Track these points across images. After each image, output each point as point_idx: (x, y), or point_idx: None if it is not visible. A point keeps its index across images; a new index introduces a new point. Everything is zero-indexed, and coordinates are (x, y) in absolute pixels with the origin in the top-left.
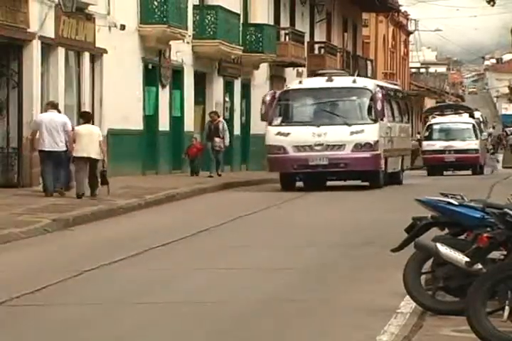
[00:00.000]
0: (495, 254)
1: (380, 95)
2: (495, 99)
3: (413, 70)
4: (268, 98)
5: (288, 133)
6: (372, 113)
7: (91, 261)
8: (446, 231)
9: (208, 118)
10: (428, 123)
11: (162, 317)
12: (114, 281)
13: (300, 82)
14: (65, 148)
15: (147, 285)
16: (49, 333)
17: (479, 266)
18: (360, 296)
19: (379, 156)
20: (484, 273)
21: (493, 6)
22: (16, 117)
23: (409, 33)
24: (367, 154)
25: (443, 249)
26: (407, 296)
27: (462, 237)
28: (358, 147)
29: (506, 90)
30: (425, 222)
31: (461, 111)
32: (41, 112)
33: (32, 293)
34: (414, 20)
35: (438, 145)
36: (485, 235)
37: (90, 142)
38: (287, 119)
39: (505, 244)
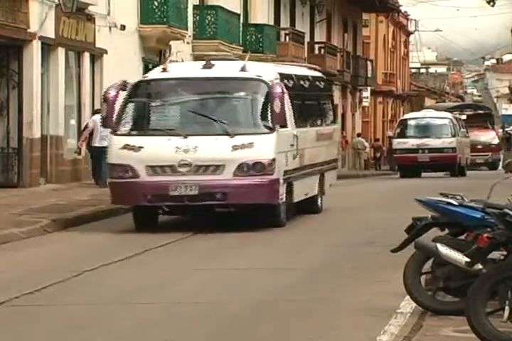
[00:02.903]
0: (495, 254)
1: (279, 90)
2: (495, 100)
3: (413, 70)
4: (112, 93)
5: (140, 147)
6: (268, 117)
7: (91, 261)
8: (447, 231)
9: None
10: (400, 119)
11: (162, 317)
12: (114, 281)
13: (164, 70)
14: None
15: (147, 285)
16: (49, 333)
17: (479, 266)
18: (361, 296)
19: (276, 182)
20: (484, 274)
21: (493, 6)
22: (15, 117)
23: (409, 34)
24: (257, 180)
25: (443, 250)
26: (407, 296)
27: (462, 237)
28: (244, 169)
29: (506, 90)
30: (425, 223)
31: (481, 111)
32: (41, 113)
33: (32, 293)
34: (415, 20)
35: (410, 143)
36: (485, 235)
37: None
38: (140, 126)
39: (505, 245)
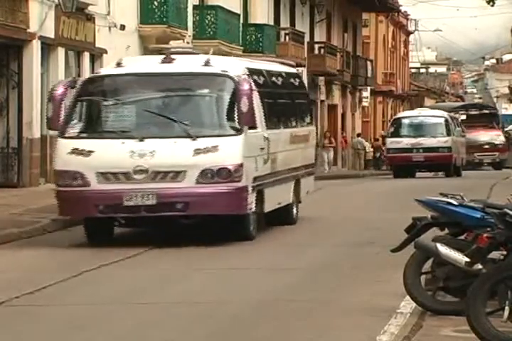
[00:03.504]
0: (495, 254)
1: (247, 86)
2: (495, 100)
3: (413, 70)
4: (59, 91)
5: (90, 152)
6: (235, 117)
7: (91, 261)
8: (446, 231)
9: None
10: (394, 117)
11: (162, 317)
12: (113, 281)
13: (118, 64)
14: None
15: (147, 285)
16: (49, 333)
17: (479, 266)
18: (360, 296)
19: (244, 190)
20: (484, 273)
21: (492, 6)
22: (15, 117)
23: (409, 33)
24: (222, 187)
25: (443, 249)
26: (407, 296)
27: (462, 237)
28: (208, 176)
29: (506, 90)
30: (425, 222)
31: (486, 111)
32: (41, 113)
33: (32, 293)
34: (414, 20)
35: (404, 142)
36: (485, 235)
37: None
38: (90, 128)
39: (505, 244)
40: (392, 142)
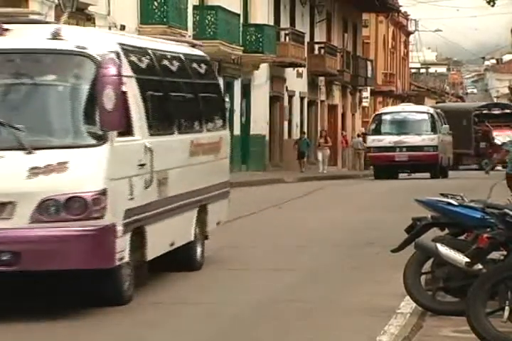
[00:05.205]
0: (495, 255)
1: (114, 70)
2: (495, 100)
3: (413, 71)
4: None
5: None
6: (95, 118)
7: None
8: (447, 231)
9: None
10: (375, 113)
11: (162, 317)
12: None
13: None
14: None
15: (147, 285)
16: (49, 333)
17: (479, 266)
18: (361, 297)
19: (109, 231)
20: (484, 274)
21: (493, 6)
22: None
23: (409, 34)
24: (74, 228)
25: (443, 250)
26: (407, 297)
27: (462, 238)
28: (51, 210)
29: (506, 90)
30: (425, 223)
31: (508, 111)
32: None
33: (32, 293)
34: (414, 20)
35: (387, 140)
36: (485, 235)
37: None
38: None
39: (505, 245)
40: (373, 140)
